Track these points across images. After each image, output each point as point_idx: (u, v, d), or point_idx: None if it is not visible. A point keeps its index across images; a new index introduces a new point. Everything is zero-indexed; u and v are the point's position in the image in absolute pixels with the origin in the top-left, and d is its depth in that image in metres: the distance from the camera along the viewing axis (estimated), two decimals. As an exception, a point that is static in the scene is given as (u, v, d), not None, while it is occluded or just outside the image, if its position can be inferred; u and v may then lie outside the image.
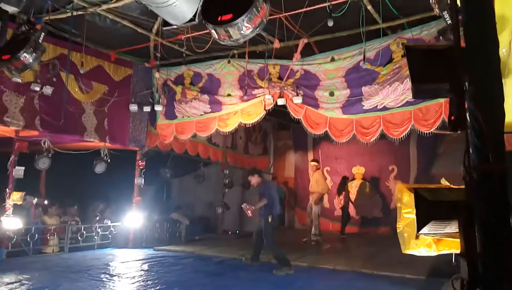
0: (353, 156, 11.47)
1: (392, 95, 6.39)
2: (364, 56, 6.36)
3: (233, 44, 3.59)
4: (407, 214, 1.72)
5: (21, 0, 3.72)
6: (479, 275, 1.33)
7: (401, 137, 6.63)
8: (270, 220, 6.16)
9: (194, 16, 3.57)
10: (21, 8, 3.97)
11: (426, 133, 6.36)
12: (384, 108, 6.50)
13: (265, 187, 6.46)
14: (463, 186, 1.42)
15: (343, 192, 10.42)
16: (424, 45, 1.67)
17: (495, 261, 1.34)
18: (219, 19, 3.26)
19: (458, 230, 1.37)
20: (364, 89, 6.61)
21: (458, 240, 1.37)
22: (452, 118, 1.46)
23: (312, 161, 10.15)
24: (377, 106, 6.56)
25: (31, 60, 3.99)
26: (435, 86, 1.52)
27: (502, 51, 3.41)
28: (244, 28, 3.28)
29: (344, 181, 10.66)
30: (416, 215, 1.51)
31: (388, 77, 6.39)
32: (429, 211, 1.46)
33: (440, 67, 1.48)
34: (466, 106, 1.46)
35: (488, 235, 1.37)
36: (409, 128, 6.36)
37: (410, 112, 6.26)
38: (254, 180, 6.60)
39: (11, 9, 3.69)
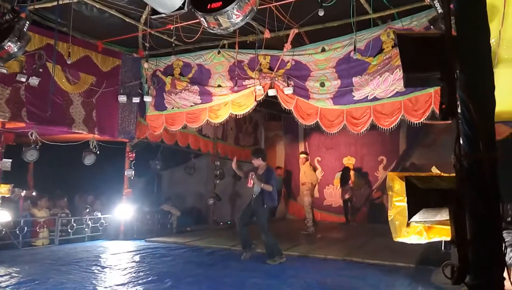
0: (344, 146, 11.55)
1: (383, 85, 6.41)
2: (354, 46, 6.35)
3: (222, 32, 3.54)
4: (398, 202, 1.73)
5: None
6: (469, 262, 1.35)
7: (391, 128, 6.68)
8: (266, 207, 6.06)
9: (184, 4, 3.52)
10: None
11: (416, 123, 6.42)
12: (375, 99, 6.53)
13: (271, 174, 6.20)
14: (454, 174, 1.43)
15: (349, 183, 10.66)
16: (415, 33, 1.67)
17: (485, 248, 1.36)
18: (208, 7, 3.21)
19: (448, 218, 1.39)
20: (355, 79, 6.62)
21: (449, 227, 1.38)
22: (443, 106, 1.47)
23: (301, 153, 10.28)
24: (367, 96, 6.58)
25: (15, 50, 3.89)
26: (426, 75, 1.52)
27: (492, 41, 3.43)
28: (234, 16, 3.24)
29: (347, 171, 10.83)
30: (407, 203, 1.52)
31: (379, 67, 6.41)
32: (420, 199, 1.47)
33: (431, 56, 1.48)
34: (457, 94, 1.47)
35: (478, 222, 1.39)
36: (399, 119, 6.41)
37: (400, 103, 6.30)
38: (258, 162, 6.27)
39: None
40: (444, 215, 1.45)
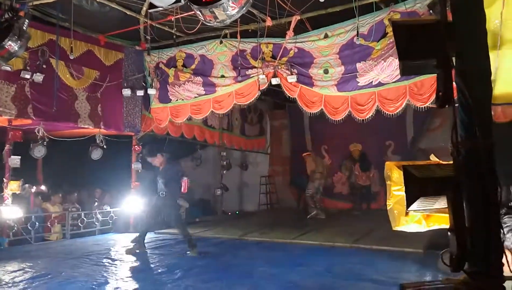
0: (350, 132, 11.45)
1: (387, 70, 6.32)
2: (357, 31, 6.28)
3: (219, 25, 3.52)
4: (396, 191, 1.73)
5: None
6: (468, 249, 1.35)
7: (397, 112, 6.60)
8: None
9: (181, -4, 3.50)
10: (1, -4, 3.87)
11: (422, 107, 6.35)
12: (379, 84, 6.46)
13: (172, 170, 6.42)
14: (452, 162, 1.42)
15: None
16: (410, 20, 1.63)
17: (483, 235, 1.36)
18: (203, 0, 3.18)
19: (447, 206, 1.38)
20: (359, 65, 6.54)
21: (448, 215, 1.38)
22: (440, 93, 1.45)
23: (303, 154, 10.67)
24: (372, 82, 6.51)
25: (16, 48, 3.91)
26: (422, 62, 1.50)
27: (495, 22, 3.36)
28: (230, 8, 3.20)
29: (365, 157, 10.89)
30: (406, 192, 1.51)
31: (383, 52, 6.32)
32: (418, 188, 1.46)
33: (427, 43, 1.45)
34: (454, 81, 1.44)
35: (475, 210, 1.38)
36: (404, 103, 6.34)
37: (405, 87, 6.22)
38: (157, 160, 6.40)
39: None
40: (442, 203, 1.44)
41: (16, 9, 3.95)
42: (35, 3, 6.16)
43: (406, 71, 1.65)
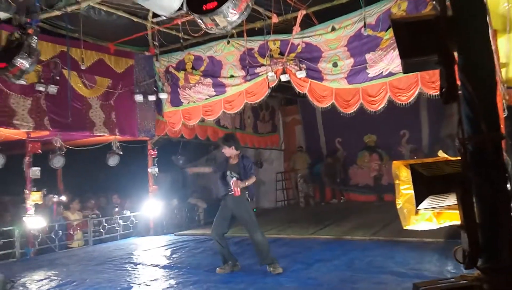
0: (363, 124, 11.35)
1: (397, 59, 6.20)
2: (364, 22, 6.21)
3: (221, 32, 3.53)
4: (405, 190, 1.72)
5: (11, 5, 3.72)
6: (480, 245, 1.34)
7: (410, 101, 6.51)
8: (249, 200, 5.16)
9: (182, 5, 3.51)
10: (11, 13, 3.97)
11: (435, 95, 6.24)
12: (390, 74, 6.37)
13: (249, 162, 5.26)
14: (460, 158, 1.41)
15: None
16: (410, 17, 1.61)
17: (494, 230, 1.34)
18: (204, 8, 3.20)
19: (456, 203, 1.37)
20: (368, 56, 6.47)
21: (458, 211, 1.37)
22: (443, 90, 1.44)
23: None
24: (382, 72, 6.43)
25: (27, 66, 4.02)
26: (423, 59, 1.48)
27: (504, 5, 3.29)
28: (230, 14, 3.21)
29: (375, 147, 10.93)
30: (414, 191, 1.50)
31: (391, 41, 6.22)
32: (426, 186, 1.45)
33: (427, 39, 1.44)
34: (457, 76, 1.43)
35: (486, 205, 1.36)
36: (417, 92, 6.25)
37: (417, 75, 6.12)
38: (230, 152, 5.17)
39: (2, 15, 3.71)
40: (452, 200, 1.43)
41: (25, 27, 4.05)
42: (44, 16, 6.28)
43: (409, 69, 1.64)
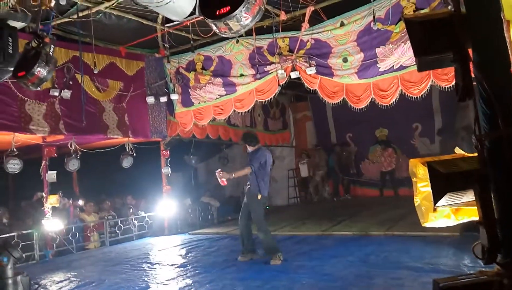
0: (375, 118, 11.28)
1: (408, 52, 6.17)
2: (374, 16, 6.18)
3: (234, 36, 3.56)
4: (423, 188, 1.72)
5: (27, 15, 3.80)
6: (499, 241, 1.34)
7: (423, 94, 6.45)
8: (259, 197, 5.31)
9: (194, 9, 3.55)
10: (28, 22, 4.06)
11: (448, 87, 6.18)
12: (401, 68, 6.32)
13: (254, 154, 5.44)
14: (476, 154, 1.41)
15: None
16: (423, 15, 1.62)
17: (513, 226, 1.34)
18: (217, 13, 3.23)
19: (475, 199, 1.38)
20: (378, 50, 6.43)
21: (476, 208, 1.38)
22: (459, 87, 1.44)
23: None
24: (393, 66, 6.39)
25: (45, 74, 4.10)
26: (438, 57, 1.48)
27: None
28: (243, 18, 3.24)
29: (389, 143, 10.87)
30: (432, 189, 1.51)
31: (402, 34, 6.17)
32: (444, 183, 1.46)
33: (441, 37, 1.44)
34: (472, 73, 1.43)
35: (504, 201, 1.36)
36: (429, 85, 6.20)
37: (428, 68, 6.07)
38: (251, 149, 5.54)
39: (19, 24, 3.80)
40: (470, 196, 1.43)
41: (42, 36, 4.15)
42: (57, 22, 6.39)
43: (424, 67, 1.64)
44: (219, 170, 5.43)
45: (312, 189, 11.76)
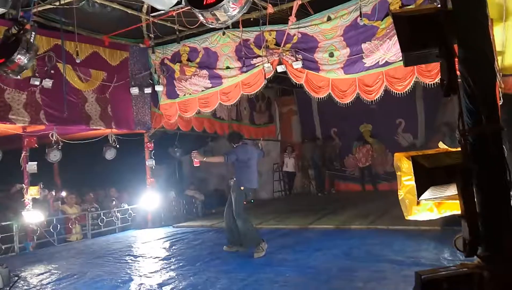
0: (359, 113, 11.39)
1: (393, 48, 6.24)
2: (360, 12, 6.21)
3: (221, 26, 3.52)
4: (407, 181, 1.75)
5: (7, 1, 3.67)
6: (480, 234, 1.37)
7: (407, 90, 6.53)
8: (242, 189, 5.51)
9: (180, -1, 3.51)
10: (8, 8, 3.93)
11: (431, 84, 6.27)
12: (386, 63, 6.39)
13: (233, 150, 5.71)
14: (460, 149, 1.43)
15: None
16: (411, 10, 1.63)
17: (494, 220, 1.38)
18: (204, 3, 3.18)
19: (457, 193, 1.40)
20: (364, 46, 6.47)
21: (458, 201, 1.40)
22: (444, 82, 1.46)
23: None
24: (378, 62, 6.44)
25: (26, 61, 3.98)
26: (424, 52, 1.50)
27: (500, -6, 3.32)
28: (231, 9, 3.21)
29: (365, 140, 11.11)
30: (416, 182, 1.53)
31: (388, 30, 6.23)
32: (427, 177, 1.48)
33: (428, 32, 1.45)
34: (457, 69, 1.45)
35: (485, 195, 1.39)
36: (413, 81, 6.28)
37: (413, 65, 6.14)
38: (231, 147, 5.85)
39: (-1, 10, 3.68)
40: (453, 190, 1.46)
41: (23, 23, 4.01)
42: (38, 9, 6.21)
43: (410, 62, 1.66)
44: (195, 151, 5.82)
45: (297, 183, 11.84)
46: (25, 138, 7.24)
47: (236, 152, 5.69)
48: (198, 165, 5.77)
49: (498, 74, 4.50)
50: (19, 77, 6.23)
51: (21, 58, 3.91)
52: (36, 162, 7.19)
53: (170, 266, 5.28)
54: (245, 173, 5.62)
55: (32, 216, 6.99)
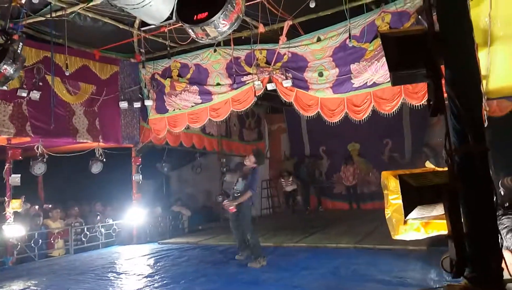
0: (347, 133, 11.50)
1: (381, 70, 6.37)
2: (349, 33, 6.33)
3: (211, 42, 3.55)
4: (394, 200, 1.75)
5: (-4, 10, 3.66)
6: (467, 255, 1.37)
7: (394, 111, 6.63)
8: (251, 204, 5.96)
9: (171, 14, 3.52)
10: (-3, 18, 3.91)
11: (417, 105, 6.38)
12: (374, 84, 6.50)
13: (254, 178, 5.90)
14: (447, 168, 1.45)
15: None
16: (399, 31, 1.67)
17: (481, 240, 1.38)
18: (195, 18, 3.22)
19: (444, 213, 1.41)
20: (353, 66, 6.58)
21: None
22: (431, 103, 1.48)
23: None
24: (366, 82, 6.55)
25: (12, 72, 3.94)
26: (412, 72, 1.53)
27: (485, 20, 3.42)
28: (221, 25, 3.24)
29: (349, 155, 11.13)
30: (403, 201, 1.53)
31: (376, 52, 6.36)
32: (414, 197, 1.49)
33: (416, 53, 1.49)
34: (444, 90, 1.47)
35: (472, 215, 1.40)
36: (400, 102, 6.38)
37: (400, 86, 6.24)
38: (251, 165, 5.97)
39: (-14, 20, 3.64)
40: (440, 210, 1.47)
41: (10, 33, 3.99)
42: (28, 21, 6.19)
43: (397, 81, 1.68)
44: (225, 201, 6.16)
45: (291, 201, 11.83)
46: (9, 150, 7.13)
47: (256, 179, 6.01)
48: (235, 210, 5.87)
49: (483, 98, 4.61)
50: (5, 87, 6.19)
51: (7, 68, 3.86)
52: (19, 175, 7.06)
53: (153, 284, 5.16)
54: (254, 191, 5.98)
55: (13, 230, 6.81)
